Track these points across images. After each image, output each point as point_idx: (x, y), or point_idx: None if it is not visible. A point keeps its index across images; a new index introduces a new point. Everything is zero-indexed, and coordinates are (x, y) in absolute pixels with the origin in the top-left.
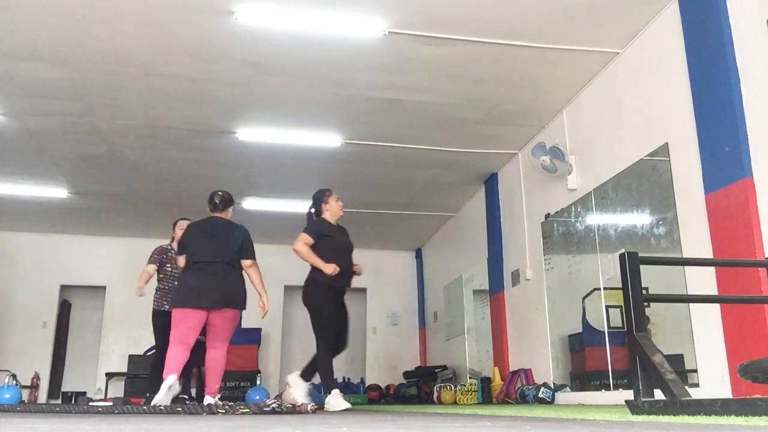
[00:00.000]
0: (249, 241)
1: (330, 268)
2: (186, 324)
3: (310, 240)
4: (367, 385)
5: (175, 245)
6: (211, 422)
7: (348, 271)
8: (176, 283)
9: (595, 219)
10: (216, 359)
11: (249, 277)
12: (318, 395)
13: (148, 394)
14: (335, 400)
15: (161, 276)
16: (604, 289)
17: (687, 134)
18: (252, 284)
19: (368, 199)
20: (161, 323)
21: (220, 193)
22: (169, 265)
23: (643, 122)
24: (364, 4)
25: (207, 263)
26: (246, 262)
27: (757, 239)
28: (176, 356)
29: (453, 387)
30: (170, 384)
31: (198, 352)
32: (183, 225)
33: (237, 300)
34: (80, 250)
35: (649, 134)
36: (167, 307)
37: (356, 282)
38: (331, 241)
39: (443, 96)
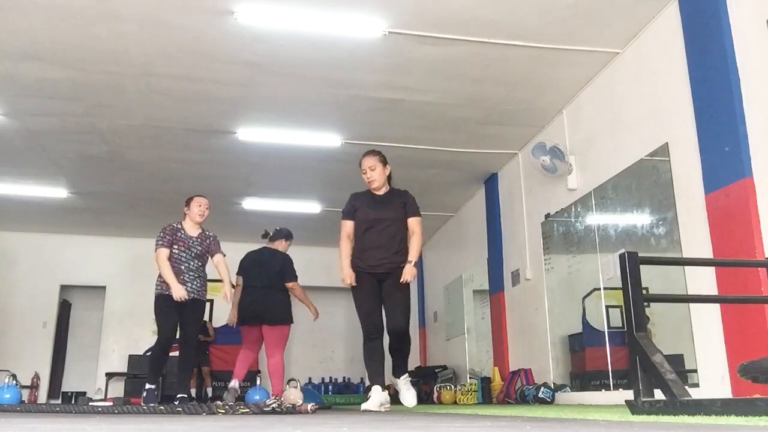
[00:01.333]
0: (287, 266)
1: (343, 273)
2: (246, 337)
3: (346, 225)
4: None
5: (185, 224)
6: (211, 422)
7: (379, 247)
8: (182, 267)
9: (595, 219)
10: (271, 366)
11: (293, 295)
12: (317, 395)
13: (146, 386)
14: (369, 398)
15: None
16: (604, 289)
17: (687, 134)
18: (299, 300)
19: None
20: (166, 309)
21: (277, 228)
22: (176, 247)
23: (643, 122)
24: (364, 4)
25: (253, 288)
26: (288, 284)
27: (757, 239)
28: (241, 359)
29: (453, 387)
30: (233, 385)
31: (198, 352)
32: (200, 201)
33: (278, 318)
34: (80, 250)
35: (649, 134)
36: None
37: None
38: (358, 215)
39: (443, 96)
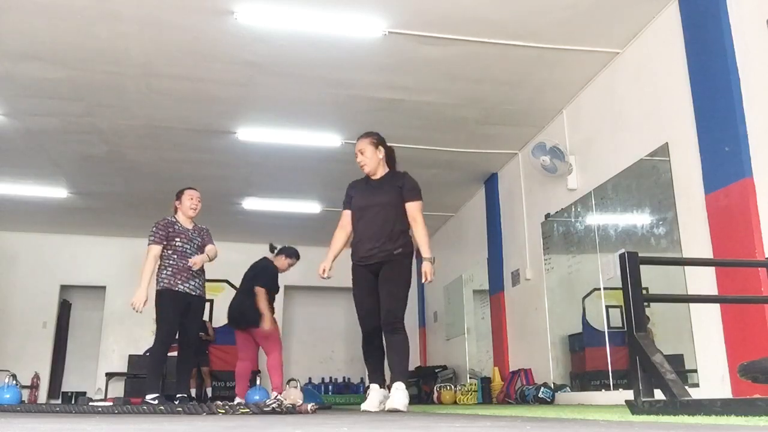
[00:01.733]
0: (260, 271)
1: (320, 268)
2: (237, 340)
3: (342, 215)
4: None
5: (179, 217)
6: (211, 422)
7: (371, 237)
8: (189, 261)
9: (595, 219)
10: (268, 364)
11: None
12: (317, 395)
13: (148, 396)
14: (368, 397)
15: (170, 252)
16: (604, 289)
17: (687, 134)
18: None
19: None
20: (172, 304)
21: (287, 245)
22: (178, 239)
23: (643, 122)
24: (364, 4)
25: (236, 292)
26: (255, 288)
27: (757, 239)
28: (239, 375)
29: (453, 387)
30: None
31: (197, 352)
32: (192, 194)
33: (252, 320)
34: (80, 250)
35: (649, 134)
36: (182, 287)
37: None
38: (352, 204)
39: (443, 96)
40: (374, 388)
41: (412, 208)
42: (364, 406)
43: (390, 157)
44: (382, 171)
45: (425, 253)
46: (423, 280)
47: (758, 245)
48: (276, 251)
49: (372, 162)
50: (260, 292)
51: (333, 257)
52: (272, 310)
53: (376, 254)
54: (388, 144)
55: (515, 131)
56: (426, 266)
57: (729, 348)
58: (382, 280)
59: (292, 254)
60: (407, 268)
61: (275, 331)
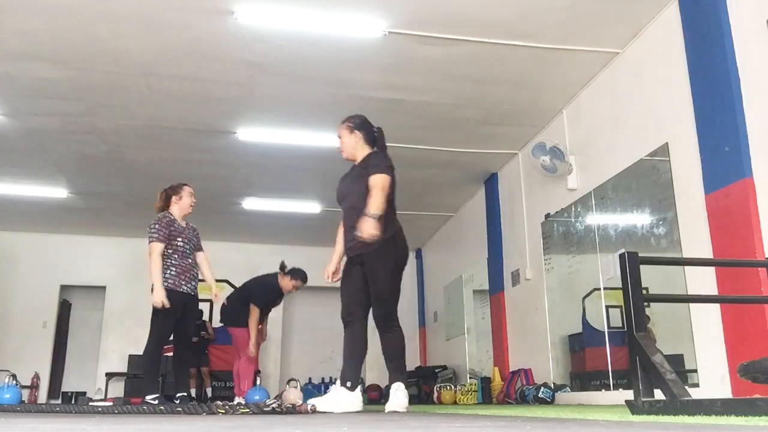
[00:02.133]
0: (257, 291)
1: (324, 273)
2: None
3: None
4: (367, 385)
5: (175, 212)
6: (211, 422)
7: (351, 227)
8: (189, 260)
9: (595, 219)
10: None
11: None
12: (317, 395)
13: (148, 397)
14: (334, 397)
15: (170, 251)
16: (604, 289)
17: (687, 134)
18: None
19: None
20: (172, 306)
21: (296, 267)
22: (180, 239)
23: (643, 122)
24: (364, 4)
25: None
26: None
27: (757, 239)
28: (235, 374)
29: (453, 387)
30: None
31: (197, 352)
32: (191, 191)
33: (223, 318)
34: (80, 250)
35: (649, 134)
36: (185, 287)
37: None
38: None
39: (443, 96)
40: (339, 390)
41: (372, 180)
42: (312, 401)
43: (372, 139)
44: (361, 155)
45: (369, 209)
46: (359, 233)
47: (758, 245)
48: (286, 270)
49: (348, 148)
50: (253, 311)
51: (338, 258)
52: (264, 320)
53: (355, 245)
54: (388, 144)
55: (515, 131)
56: (363, 222)
57: (729, 348)
58: (368, 278)
59: (299, 277)
60: (388, 256)
61: (249, 344)
